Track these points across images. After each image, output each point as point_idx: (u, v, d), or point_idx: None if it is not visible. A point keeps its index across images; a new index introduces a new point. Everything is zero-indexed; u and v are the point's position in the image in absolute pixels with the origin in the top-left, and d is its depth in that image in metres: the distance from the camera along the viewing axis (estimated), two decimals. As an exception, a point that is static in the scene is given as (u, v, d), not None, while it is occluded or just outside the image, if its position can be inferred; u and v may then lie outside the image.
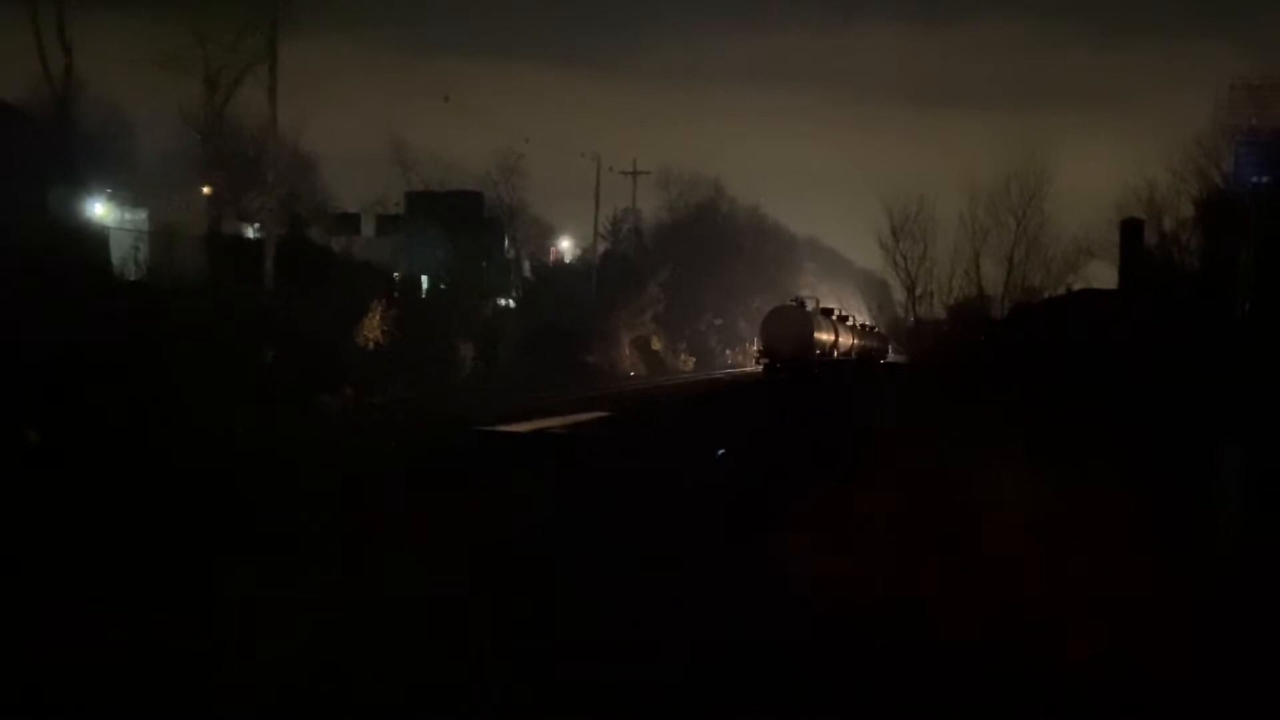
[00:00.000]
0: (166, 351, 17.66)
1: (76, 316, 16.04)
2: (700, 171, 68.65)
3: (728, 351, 68.44)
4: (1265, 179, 22.32)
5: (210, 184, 26.97)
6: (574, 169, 63.81)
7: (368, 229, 41.44)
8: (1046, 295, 31.18)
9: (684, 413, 27.83)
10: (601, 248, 53.53)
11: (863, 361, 53.37)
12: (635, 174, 56.40)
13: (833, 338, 47.42)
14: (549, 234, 52.08)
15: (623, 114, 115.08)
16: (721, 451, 10.44)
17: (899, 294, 41.98)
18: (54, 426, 13.83)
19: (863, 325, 58.51)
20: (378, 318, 29.58)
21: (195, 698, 5.58)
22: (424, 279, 38.24)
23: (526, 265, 48.18)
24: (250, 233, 29.36)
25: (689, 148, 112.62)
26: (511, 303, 43.73)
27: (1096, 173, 67.18)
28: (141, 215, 26.63)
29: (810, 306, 47.07)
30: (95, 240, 23.50)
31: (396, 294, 33.24)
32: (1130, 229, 26.00)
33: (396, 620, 6.84)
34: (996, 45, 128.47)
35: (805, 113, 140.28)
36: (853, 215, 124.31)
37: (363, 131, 66.91)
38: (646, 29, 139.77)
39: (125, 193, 26.45)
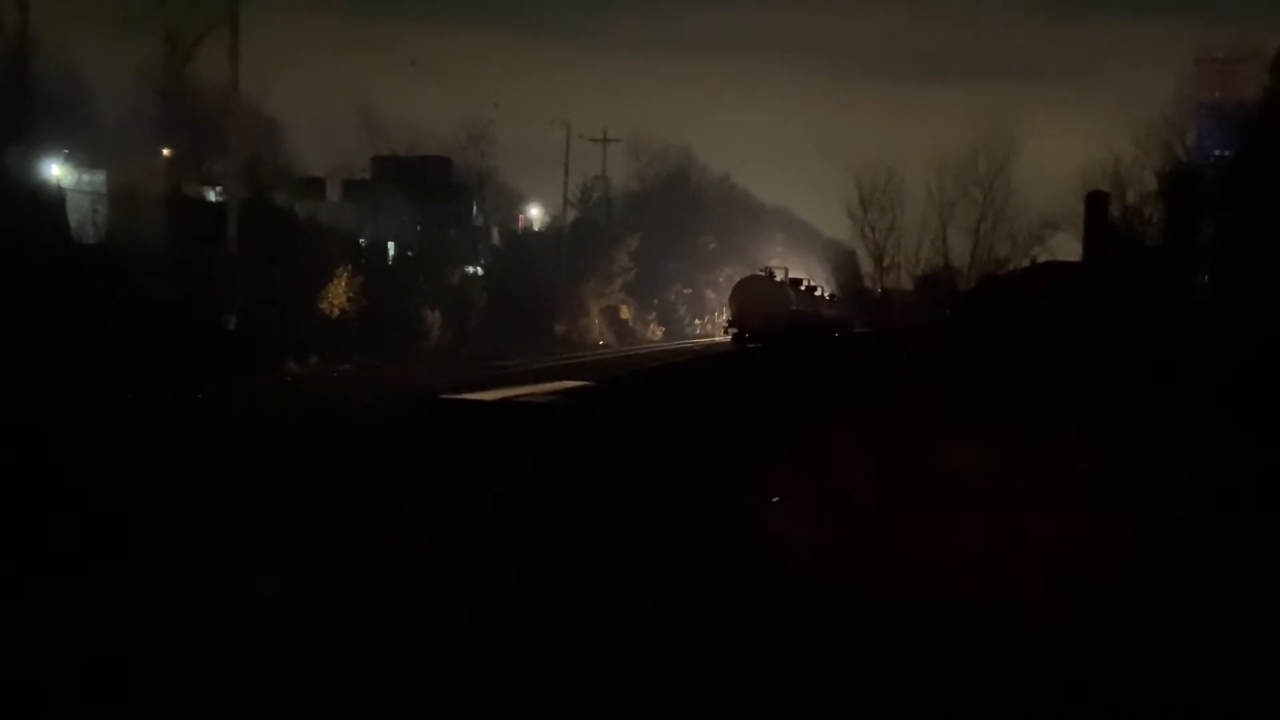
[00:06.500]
0: (123, 316, 17.34)
1: (32, 279, 15.70)
2: (671, 140, 68.15)
3: (696, 321, 68.49)
4: (1228, 152, 22.48)
5: (171, 146, 26.43)
6: (544, 137, 63.36)
7: (333, 194, 40.83)
8: (1012, 267, 31.38)
9: (665, 383, 27.80)
10: (571, 216, 53.21)
11: (831, 331, 53.61)
12: (605, 141, 56.15)
13: (801, 308, 47.55)
14: (518, 201, 51.69)
15: (593, 82, 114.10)
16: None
17: (867, 265, 42.06)
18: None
19: (831, 295, 58.69)
20: (343, 284, 29.27)
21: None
22: (390, 245, 37.83)
23: (495, 232, 47.80)
24: (212, 196, 28.83)
25: (659, 117, 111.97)
26: (480, 270, 43.39)
27: (1062, 146, 67.84)
28: (100, 177, 26.02)
29: (780, 276, 47.18)
30: (52, 202, 22.98)
31: (363, 260, 32.88)
32: (1094, 202, 26.12)
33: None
34: (965, 19, 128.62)
35: (776, 84, 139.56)
36: (822, 187, 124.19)
37: (329, 95, 65.64)
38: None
39: (83, 153, 25.83)
